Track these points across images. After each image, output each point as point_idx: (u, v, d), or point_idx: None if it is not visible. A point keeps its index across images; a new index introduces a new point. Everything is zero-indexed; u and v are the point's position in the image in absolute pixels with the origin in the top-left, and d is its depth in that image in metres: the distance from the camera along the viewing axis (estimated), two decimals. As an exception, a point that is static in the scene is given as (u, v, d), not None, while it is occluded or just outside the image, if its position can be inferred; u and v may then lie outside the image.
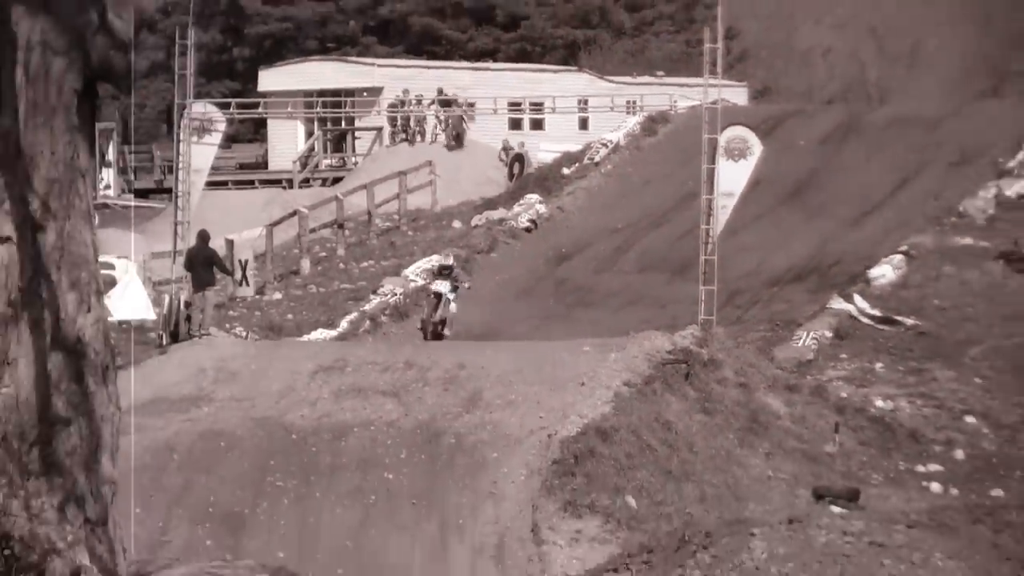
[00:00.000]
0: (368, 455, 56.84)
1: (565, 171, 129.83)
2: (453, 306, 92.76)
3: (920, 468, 66.24)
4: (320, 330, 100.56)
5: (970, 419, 74.66)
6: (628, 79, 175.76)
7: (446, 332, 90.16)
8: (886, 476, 66.43)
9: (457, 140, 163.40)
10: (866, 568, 30.22)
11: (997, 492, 63.85)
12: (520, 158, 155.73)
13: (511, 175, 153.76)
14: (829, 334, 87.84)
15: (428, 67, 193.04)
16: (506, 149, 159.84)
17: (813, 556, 30.63)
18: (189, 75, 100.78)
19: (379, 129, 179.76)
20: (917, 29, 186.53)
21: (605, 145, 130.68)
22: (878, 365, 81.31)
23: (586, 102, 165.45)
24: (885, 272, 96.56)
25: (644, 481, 55.69)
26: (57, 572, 28.04)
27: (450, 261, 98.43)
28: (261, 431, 58.38)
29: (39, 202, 28.03)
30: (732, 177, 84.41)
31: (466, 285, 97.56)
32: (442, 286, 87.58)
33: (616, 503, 52.97)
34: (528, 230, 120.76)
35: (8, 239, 27.83)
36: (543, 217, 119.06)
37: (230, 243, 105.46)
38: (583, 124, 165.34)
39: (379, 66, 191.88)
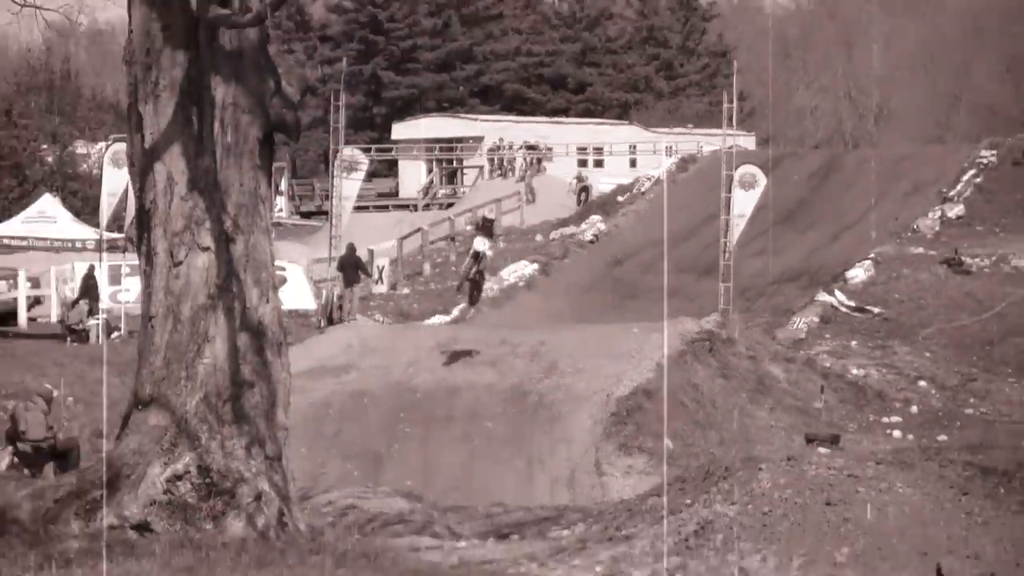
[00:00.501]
0: (473, 409, 57.91)
1: (619, 199, 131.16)
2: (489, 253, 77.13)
3: (885, 419, 67.10)
4: (437, 316, 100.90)
5: (922, 383, 75.51)
6: (666, 130, 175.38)
7: (486, 282, 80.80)
8: (859, 425, 67.43)
9: (531, 193, 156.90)
10: (845, 493, 30.18)
11: (943, 437, 63.89)
12: (586, 188, 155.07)
13: (579, 201, 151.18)
14: (816, 320, 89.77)
15: (517, 121, 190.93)
16: (578, 180, 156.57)
17: (805, 485, 30.81)
18: (341, 127, 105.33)
19: (481, 167, 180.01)
20: (882, 92, 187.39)
21: (649, 179, 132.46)
22: (853, 343, 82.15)
23: (635, 147, 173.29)
24: (858, 273, 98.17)
25: (678, 429, 56.55)
26: (244, 496, 29.49)
27: (492, 215, 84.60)
28: (394, 391, 59.35)
29: (231, 221, 29.38)
30: (743, 202, 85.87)
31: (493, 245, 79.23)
32: (482, 244, 71.79)
33: (658, 445, 53.80)
34: (592, 242, 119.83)
35: (208, 249, 29.14)
36: (603, 232, 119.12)
37: (371, 252, 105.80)
38: (632, 163, 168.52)
39: (481, 120, 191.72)
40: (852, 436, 53.80)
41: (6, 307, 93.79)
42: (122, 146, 58.99)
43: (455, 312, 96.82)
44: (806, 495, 29.34)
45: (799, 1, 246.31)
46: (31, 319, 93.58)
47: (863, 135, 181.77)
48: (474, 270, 67.84)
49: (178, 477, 28.11)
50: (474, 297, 67.58)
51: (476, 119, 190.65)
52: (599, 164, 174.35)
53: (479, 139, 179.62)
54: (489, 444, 52.54)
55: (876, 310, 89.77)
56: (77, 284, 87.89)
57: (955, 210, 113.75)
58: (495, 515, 33.54)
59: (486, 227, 67.65)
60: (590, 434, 55.31)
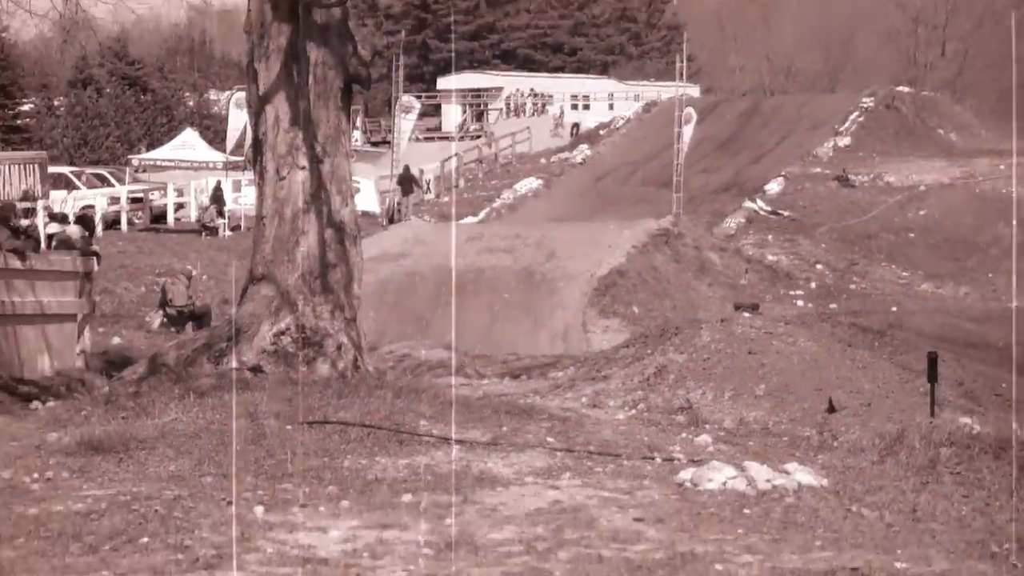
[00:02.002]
0: (494, 285, 57.97)
1: (601, 132, 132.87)
2: None
3: (792, 292, 67.67)
4: (469, 217, 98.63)
5: (819, 266, 75.55)
6: (635, 83, 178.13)
7: None
8: (773, 296, 67.31)
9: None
10: (762, 345, 30.18)
11: (833, 305, 62.81)
12: (576, 125, 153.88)
13: (571, 134, 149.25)
14: (743, 220, 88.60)
15: (528, 76, 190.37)
16: (555, 118, 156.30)
17: (734, 339, 30.78)
18: (400, 81, 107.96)
19: (500, 110, 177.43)
20: (793, 56, 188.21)
21: (622, 119, 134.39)
22: (769, 237, 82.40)
23: (612, 95, 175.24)
24: (773, 187, 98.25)
25: (642, 299, 57.25)
26: (329, 347, 30.26)
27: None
28: (437, 272, 59.52)
29: (320, 148, 30.25)
30: (687, 134, 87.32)
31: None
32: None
33: (628, 311, 54.68)
34: (581, 164, 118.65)
35: (304, 168, 29.90)
36: (589, 157, 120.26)
37: (421, 171, 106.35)
38: (610, 107, 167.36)
39: (501, 75, 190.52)
40: (768, 304, 54.20)
41: (159, 210, 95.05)
42: (243, 94, 59.94)
43: (481, 214, 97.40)
44: (734, 347, 29.58)
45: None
46: (176, 219, 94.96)
47: (777, 88, 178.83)
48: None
49: (281, 333, 28.65)
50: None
51: (497, 75, 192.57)
52: (587, 107, 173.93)
53: (499, 89, 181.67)
54: (506, 309, 53.30)
55: (786, 213, 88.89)
56: (209, 193, 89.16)
57: (844, 141, 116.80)
58: (509, 361, 33.98)
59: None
60: (579, 302, 56.14)
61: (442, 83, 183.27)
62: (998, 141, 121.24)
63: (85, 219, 64.42)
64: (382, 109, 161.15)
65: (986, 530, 16.01)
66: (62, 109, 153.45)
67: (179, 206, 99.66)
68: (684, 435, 21.94)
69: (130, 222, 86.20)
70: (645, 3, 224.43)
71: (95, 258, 36.99)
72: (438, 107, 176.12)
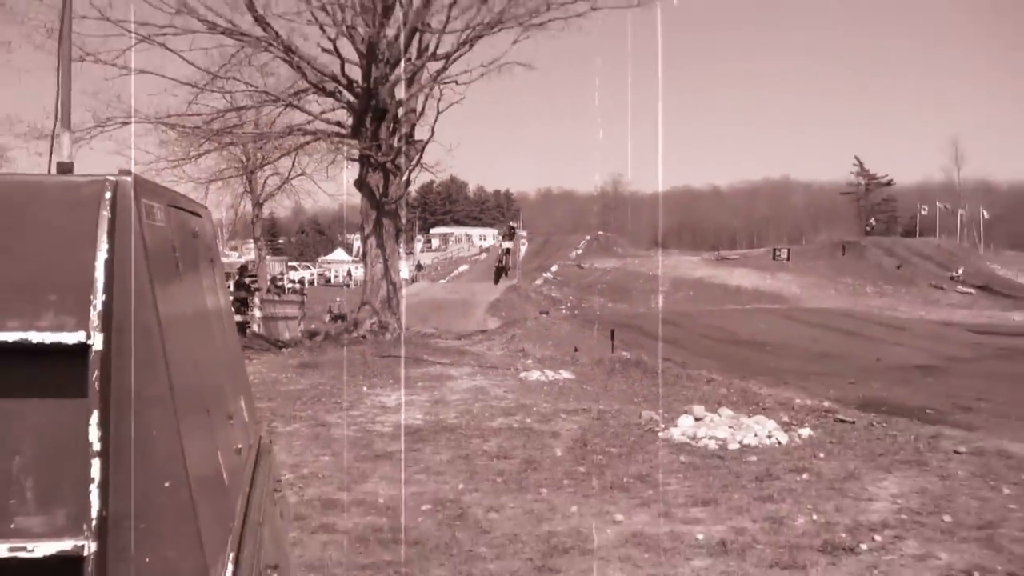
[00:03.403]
0: (452, 305, 55.77)
1: (488, 248, 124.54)
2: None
3: (561, 308, 64.27)
4: (441, 280, 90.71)
5: (571, 298, 72.59)
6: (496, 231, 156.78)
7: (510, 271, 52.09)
8: (555, 309, 61.02)
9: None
10: (551, 326, 29.15)
11: (576, 312, 57.86)
12: (483, 248, 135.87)
13: (479, 250, 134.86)
14: (542, 281, 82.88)
15: (461, 228, 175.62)
16: (483, 244, 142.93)
17: (540, 324, 29.95)
18: (415, 230, 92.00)
19: (453, 239, 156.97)
20: (562, 224, 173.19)
21: (497, 244, 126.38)
22: (553, 287, 79.09)
23: (495, 235, 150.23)
24: (554, 268, 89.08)
25: (506, 310, 55.38)
26: (391, 330, 28.03)
27: (516, 224, 57.42)
28: (432, 300, 57.30)
29: (387, 254, 28.68)
30: (524, 248, 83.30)
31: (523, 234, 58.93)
32: (507, 243, 49.31)
33: (500, 314, 52.81)
34: (483, 259, 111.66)
35: (381, 262, 28.63)
36: (483, 258, 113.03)
37: (418, 263, 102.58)
38: (493, 238, 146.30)
39: (454, 228, 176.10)
40: (553, 312, 52.36)
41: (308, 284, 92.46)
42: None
43: (446, 279, 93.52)
44: (541, 326, 28.92)
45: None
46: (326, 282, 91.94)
47: (559, 232, 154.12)
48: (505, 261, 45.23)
49: (373, 324, 28.07)
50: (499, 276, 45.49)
51: (453, 228, 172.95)
52: (484, 239, 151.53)
53: (450, 233, 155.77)
54: (456, 315, 51.65)
55: (558, 277, 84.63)
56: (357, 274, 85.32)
57: (579, 252, 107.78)
58: (458, 333, 33.05)
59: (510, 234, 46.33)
60: (483, 311, 53.76)
61: (433, 231, 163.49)
62: (648, 251, 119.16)
63: (302, 282, 63.46)
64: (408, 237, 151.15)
65: (636, 394, 16.71)
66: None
67: (326, 280, 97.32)
68: (522, 360, 22.28)
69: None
70: (504, 200, 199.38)
71: (304, 296, 37.52)
72: (429, 239, 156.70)
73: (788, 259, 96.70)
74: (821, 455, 10.96)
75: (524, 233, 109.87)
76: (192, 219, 3.40)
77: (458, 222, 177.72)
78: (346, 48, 26.92)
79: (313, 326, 34.14)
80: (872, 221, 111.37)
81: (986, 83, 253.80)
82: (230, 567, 2.66)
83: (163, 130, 27.85)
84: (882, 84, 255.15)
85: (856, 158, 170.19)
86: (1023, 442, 11.87)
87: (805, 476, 9.89)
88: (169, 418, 2.38)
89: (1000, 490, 9.19)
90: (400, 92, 28.16)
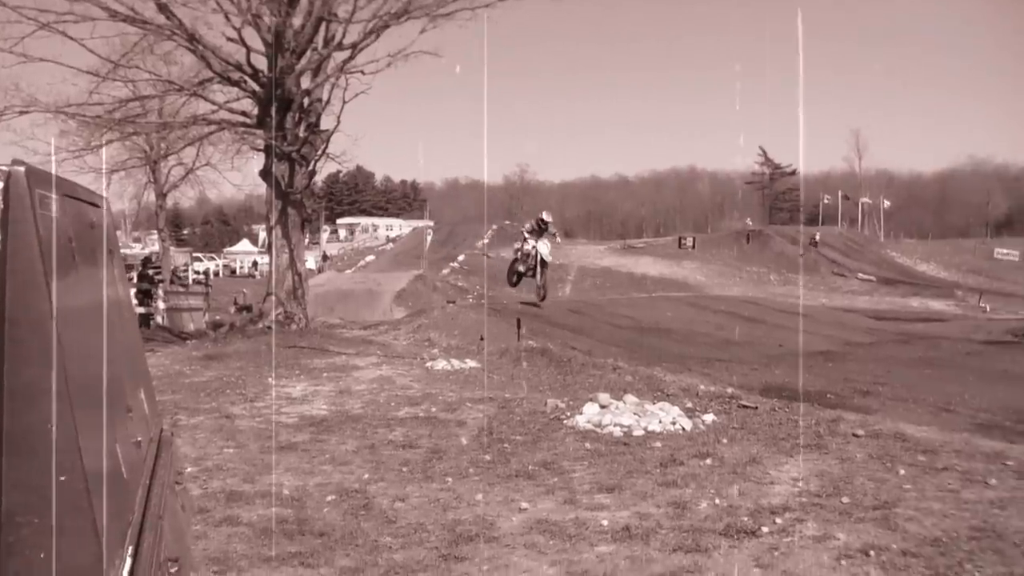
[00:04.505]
0: (358, 295, 55.69)
1: (396, 239, 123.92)
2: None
3: (467, 297, 64.09)
4: (348, 270, 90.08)
5: (477, 287, 72.39)
6: (410, 220, 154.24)
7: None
8: (461, 298, 60.85)
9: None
10: (457, 315, 29.26)
11: (483, 302, 57.58)
12: (391, 239, 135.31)
13: (387, 239, 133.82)
14: (448, 271, 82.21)
15: (370, 218, 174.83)
16: (389, 234, 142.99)
17: (447, 313, 29.79)
18: (322, 220, 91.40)
19: (360, 229, 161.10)
20: (467, 209, 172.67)
21: (404, 234, 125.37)
22: (459, 276, 78.64)
23: (400, 225, 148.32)
24: (461, 257, 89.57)
25: (412, 300, 55.14)
26: (296, 320, 27.67)
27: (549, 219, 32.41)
28: (338, 290, 56.94)
29: (293, 244, 28.26)
30: (430, 238, 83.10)
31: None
32: (533, 243, 31.55)
33: (407, 304, 52.68)
34: (390, 250, 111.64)
35: (287, 252, 28.30)
36: (391, 248, 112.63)
37: (325, 254, 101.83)
38: (400, 228, 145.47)
39: (361, 218, 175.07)
40: (460, 301, 52.22)
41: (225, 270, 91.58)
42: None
43: (352, 269, 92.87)
44: (447, 315, 28.60)
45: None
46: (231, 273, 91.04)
47: (467, 220, 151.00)
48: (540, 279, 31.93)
49: (279, 315, 27.80)
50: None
51: (360, 217, 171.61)
52: (390, 229, 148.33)
53: (357, 223, 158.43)
54: (362, 304, 51.40)
55: (465, 267, 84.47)
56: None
57: (486, 241, 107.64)
58: (363, 323, 32.79)
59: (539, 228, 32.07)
60: (389, 300, 53.78)
61: (339, 221, 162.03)
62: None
63: (207, 273, 62.44)
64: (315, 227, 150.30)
65: (541, 383, 16.74)
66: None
67: (232, 271, 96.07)
68: (428, 349, 22.25)
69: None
70: (411, 190, 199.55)
71: (209, 287, 37.02)
72: (336, 230, 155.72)
73: (694, 247, 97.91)
74: (724, 440, 11.09)
75: (431, 223, 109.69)
76: (90, 210, 3.36)
77: (365, 212, 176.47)
78: (251, 37, 26.42)
79: (218, 317, 33.75)
80: (816, 238, 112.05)
81: (887, 75, 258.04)
82: (128, 561, 2.65)
83: (63, 120, 27.25)
84: (786, 75, 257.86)
85: (761, 148, 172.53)
86: (918, 424, 12.17)
87: (708, 461, 10.00)
88: (65, 411, 2.35)
89: (896, 471, 9.40)
90: (306, 82, 27.90)
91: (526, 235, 31.48)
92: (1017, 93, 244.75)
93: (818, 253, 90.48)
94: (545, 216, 31.41)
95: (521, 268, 31.45)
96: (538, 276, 30.53)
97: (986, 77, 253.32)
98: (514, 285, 32.58)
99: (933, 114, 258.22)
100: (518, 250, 31.96)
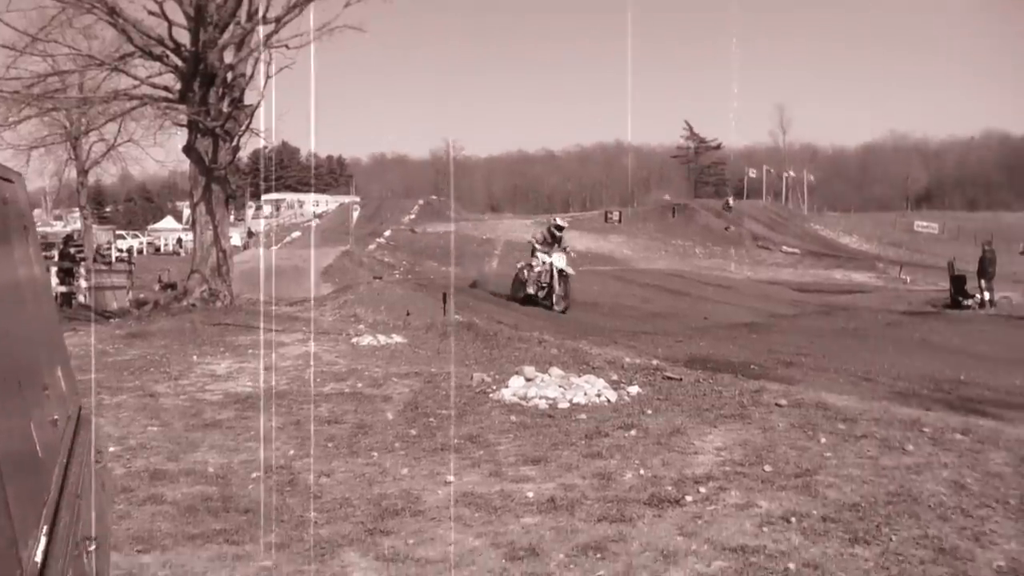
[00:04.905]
0: (285, 271, 55.32)
1: (322, 215, 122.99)
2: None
3: (394, 272, 63.98)
4: (274, 246, 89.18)
5: (404, 263, 72.21)
6: (336, 196, 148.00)
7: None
8: (388, 274, 60.51)
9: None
10: (384, 290, 29.14)
11: (409, 277, 57.64)
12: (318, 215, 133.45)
13: (315, 216, 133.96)
14: (375, 246, 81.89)
15: (296, 194, 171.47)
16: (316, 210, 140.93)
17: (373, 289, 29.81)
18: (247, 194, 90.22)
19: (286, 205, 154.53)
20: (397, 186, 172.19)
21: (331, 210, 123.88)
22: (386, 252, 78.58)
23: (327, 201, 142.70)
24: (387, 232, 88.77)
25: (339, 275, 54.80)
26: (222, 297, 27.49)
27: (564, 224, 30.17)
28: (264, 267, 56.65)
29: (217, 221, 27.90)
30: (356, 214, 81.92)
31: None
32: (545, 256, 27.82)
33: (334, 280, 52.34)
34: (316, 226, 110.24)
35: (211, 229, 27.93)
36: (319, 224, 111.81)
37: (250, 230, 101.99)
38: (327, 204, 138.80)
39: (287, 193, 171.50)
40: (386, 277, 52.05)
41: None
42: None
43: (279, 245, 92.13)
44: (373, 291, 28.58)
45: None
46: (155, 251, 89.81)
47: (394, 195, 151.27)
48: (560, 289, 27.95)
49: (204, 292, 27.49)
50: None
51: (286, 193, 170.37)
52: (317, 204, 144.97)
53: (283, 199, 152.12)
54: (288, 280, 50.69)
55: (391, 242, 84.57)
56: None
57: (411, 216, 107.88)
58: (290, 300, 32.41)
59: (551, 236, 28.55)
60: (317, 275, 53.37)
61: (264, 197, 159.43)
62: (481, 214, 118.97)
63: (130, 251, 61.63)
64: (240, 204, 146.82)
65: (468, 357, 16.75)
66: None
67: (156, 249, 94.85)
68: (354, 325, 22.14)
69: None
70: (337, 166, 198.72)
71: (132, 265, 36.53)
72: (261, 206, 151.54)
73: (620, 221, 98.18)
74: (649, 412, 11.19)
75: (358, 199, 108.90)
76: (2, 185, 3.33)
77: (291, 188, 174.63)
78: (173, 11, 26.13)
79: (142, 296, 33.26)
80: (730, 201, 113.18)
81: (811, 50, 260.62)
82: (43, 540, 2.63)
83: (-21, 95, 26.56)
84: (712, 50, 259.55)
85: (686, 122, 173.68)
86: (839, 393, 12.40)
87: (633, 432, 10.07)
88: (-26, 390, 2.30)
89: (817, 439, 9.57)
90: (229, 56, 27.65)
91: (537, 247, 28.22)
92: (936, 68, 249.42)
93: (739, 225, 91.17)
94: (559, 221, 28.95)
95: (531, 290, 27.83)
96: (557, 287, 27.19)
97: (907, 52, 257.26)
98: (524, 303, 28.07)
99: (856, 88, 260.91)
100: (525, 267, 28.34)
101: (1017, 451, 8.97)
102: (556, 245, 27.76)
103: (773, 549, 6.50)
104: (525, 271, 28.02)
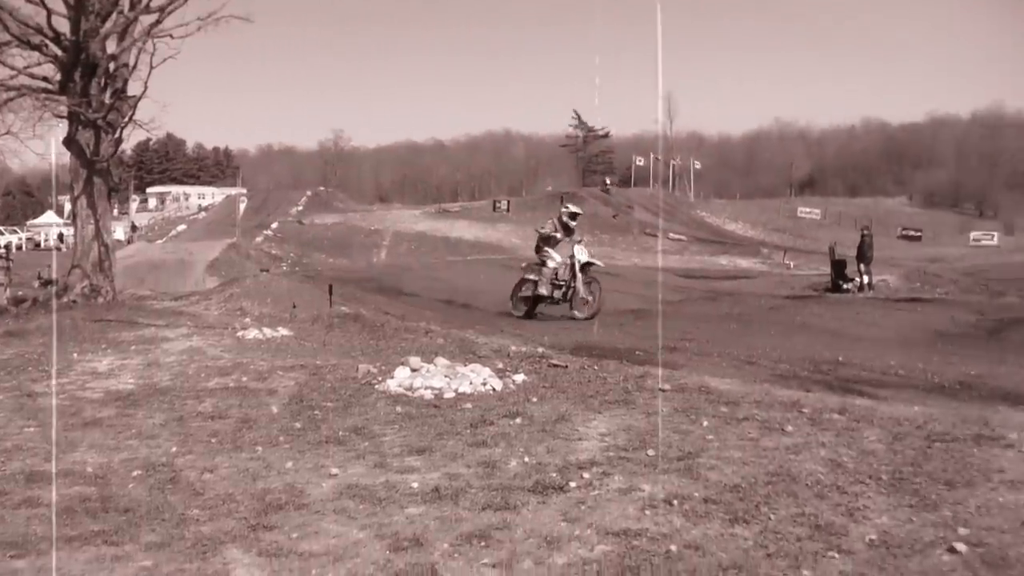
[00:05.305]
0: (169, 265, 54.55)
1: (209, 207, 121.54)
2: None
3: (282, 265, 63.27)
4: (159, 240, 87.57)
5: (291, 255, 71.28)
6: (223, 188, 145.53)
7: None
8: (275, 266, 59.36)
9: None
10: (270, 283, 28.99)
11: (297, 269, 57.12)
12: (203, 208, 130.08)
13: (199, 208, 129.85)
14: (262, 239, 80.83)
15: (182, 187, 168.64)
16: (201, 203, 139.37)
17: (260, 282, 29.50)
18: (131, 189, 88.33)
19: (171, 198, 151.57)
20: (282, 176, 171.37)
21: (218, 202, 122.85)
22: (273, 244, 77.67)
23: (213, 194, 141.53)
24: (275, 224, 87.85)
25: (226, 268, 54.11)
26: (103, 292, 27.21)
27: (576, 209, 23.39)
28: (148, 262, 55.45)
29: (99, 215, 27.60)
30: (243, 206, 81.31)
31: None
32: (580, 253, 22.25)
33: (220, 273, 51.58)
34: (203, 219, 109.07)
35: (92, 223, 27.54)
36: (204, 216, 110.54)
37: (133, 224, 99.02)
38: (212, 196, 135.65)
39: (173, 186, 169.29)
40: (273, 270, 51.53)
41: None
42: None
43: (164, 239, 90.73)
44: (260, 284, 28.55)
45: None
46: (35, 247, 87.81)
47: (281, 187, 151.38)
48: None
49: (85, 287, 27.09)
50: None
51: (171, 186, 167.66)
52: (202, 197, 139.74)
53: (168, 192, 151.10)
54: (173, 274, 50.28)
55: (279, 234, 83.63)
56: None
57: (299, 208, 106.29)
58: (175, 294, 32.08)
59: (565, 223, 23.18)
60: (202, 270, 52.32)
61: (149, 190, 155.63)
62: (370, 205, 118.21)
63: (8, 247, 60.26)
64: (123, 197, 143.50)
65: (354, 348, 16.64)
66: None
67: (35, 245, 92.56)
68: (240, 319, 21.88)
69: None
70: (223, 158, 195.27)
71: (10, 261, 35.59)
72: (146, 199, 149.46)
73: (508, 210, 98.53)
74: (534, 399, 11.17)
75: (244, 191, 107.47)
76: None
77: (176, 181, 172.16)
78: (52, -2, 25.35)
79: (20, 293, 32.42)
80: (608, 180, 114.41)
81: (698, 38, 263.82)
82: None
83: None
84: (603, 39, 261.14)
85: (575, 111, 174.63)
86: (723, 377, 12.52)
87: (518, 420, 10.06)
88: None
89: (700, 423, 9.66)
90: (112, 46, 27.31)
91: (551, 233, 22.98)
92: (817, 57, 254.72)
93: (626, 213, 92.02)
94: (572, 207, 23.35)
95: (544, 290, 22.49)
96: (581, 289, 22.11)
97: (790, 41, 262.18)
98: (530, 315, 22.73)
99: (742, 78, 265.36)
100: (532, 268, 23.25)
101: (890, 428, 9.15)
102: (569, 238, 22.90)
103: (655, 532, 6.57)
104: (531, 273, 23.00)
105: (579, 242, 22.61)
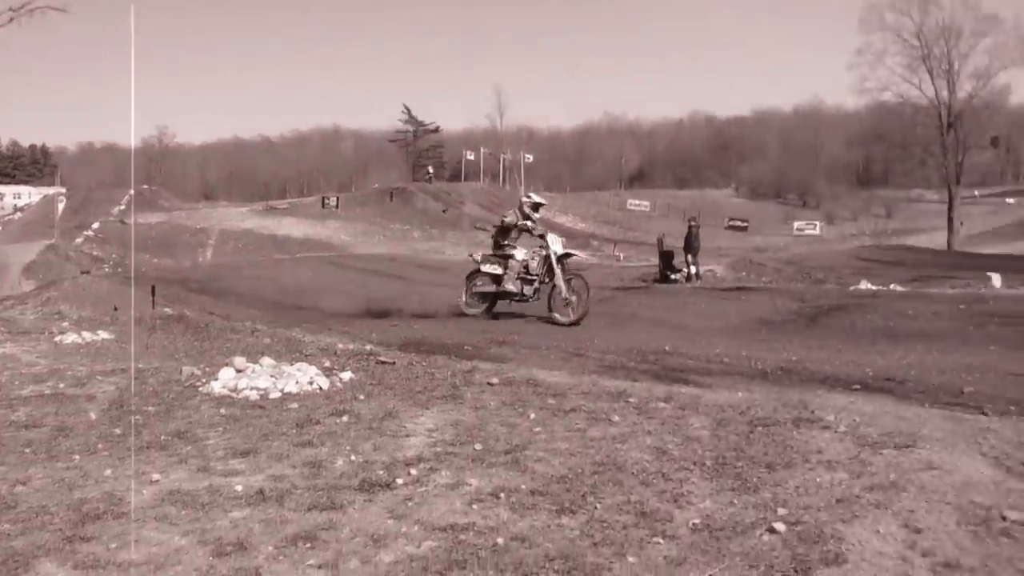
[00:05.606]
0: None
1: (25, 208, 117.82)
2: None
3: (104, 266, 61.58)
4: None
5: (114, 256, 69.24)
6: (42, 188, 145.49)
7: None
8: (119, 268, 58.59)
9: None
10: (98, 285, 28.17)
11: (133, 268, 55.89)
12: (19, 208, 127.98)
13: (14, 208, 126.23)
14: (82, 239, 78.52)
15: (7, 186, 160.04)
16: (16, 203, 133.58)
17: (79, 285, 28.87)
18: None
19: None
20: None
21: (35, 202, 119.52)
22: (94, 245, 75.42)
23: (31, 194, 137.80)
24: (96, 225, 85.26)
25: (43, 272, 52.38)
26: None
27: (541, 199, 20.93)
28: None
29: None
30: (61, 207, 78.44)
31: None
32: (554, 242, 19.28)
33: (38, 276, 49.84)
34: (18, 219, 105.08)
35: None
36: (20, 217, 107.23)
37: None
38: (29, 196, 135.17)
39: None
40: (100, 269, 50.02)
41: None
42: None
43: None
44: (88, 288, 27.81)
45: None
46: None
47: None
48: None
49: None
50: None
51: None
52: (17, 197, 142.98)
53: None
54: (5, 262, 48.47)
55: (95, 235, 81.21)
56: None
57: (121, 208, 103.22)
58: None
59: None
60: (18, 273, 50.88)
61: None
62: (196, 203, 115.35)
63: None
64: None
65: (178, 350, 16.18)
66: None
67: None
68: (57, 323, 21.22)
69: None
70: (40, 155, 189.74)
71: None
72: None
73: (337, 207, 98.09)
74: (361, 397, 11.09)
75: (63, 190, 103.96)
76: None
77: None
78: None
79: None
80: (430, 169, 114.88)
81: (528, 34, 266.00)
82: None
83: None
84: (428, 34, 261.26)
85: (404, 106, 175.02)
86: (551, 369, 12.58)
87: (345, 419, 9.98)
88: None
89: (527, 415, 9.71)
90: (-84, 39, 25.97)
91: (513, 222, 20.18)
92: (645, 52, 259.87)
93: (456, 207, 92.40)
94: (534, 196, 20.81)
95: (511, 286, 19.59)
96: (563, 288, 18.92)
97: (619, 35, 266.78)
98: (490, 312, 19.98)
99: (572, 72, 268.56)
100: (495, 257, 20.22)
101: (715, 415, 9.34)
102: (530, 231, 19.78)
103: (482, 525, 6.61)
104: (490, 264, 20.02)
105: (543, 235, 19.47)
